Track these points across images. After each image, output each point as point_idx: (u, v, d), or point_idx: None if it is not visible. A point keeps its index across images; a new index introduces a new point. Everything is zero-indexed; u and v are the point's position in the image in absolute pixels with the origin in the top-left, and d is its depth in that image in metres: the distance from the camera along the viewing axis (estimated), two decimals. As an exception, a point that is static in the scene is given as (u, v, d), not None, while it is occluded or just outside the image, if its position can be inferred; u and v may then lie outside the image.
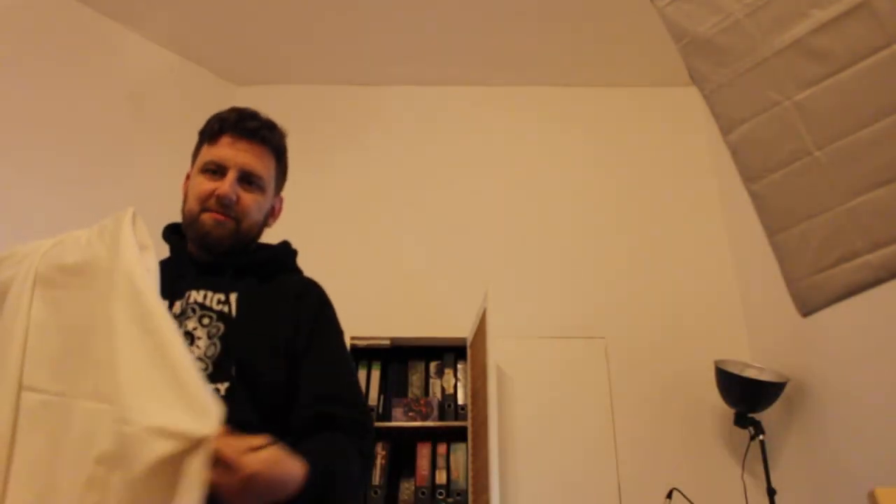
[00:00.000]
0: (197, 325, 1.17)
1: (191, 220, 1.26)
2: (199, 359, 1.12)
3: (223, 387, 1.11)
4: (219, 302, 1.20)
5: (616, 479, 3.03)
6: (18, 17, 3.09)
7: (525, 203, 3.67)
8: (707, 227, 3.59)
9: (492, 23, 3.52)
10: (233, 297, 1.21)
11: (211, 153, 1.27)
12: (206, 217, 1.24)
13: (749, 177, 1.45)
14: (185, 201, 1.30)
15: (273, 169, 1.32)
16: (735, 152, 1.45)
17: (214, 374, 1.11)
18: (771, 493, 2.62)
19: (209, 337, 1.16)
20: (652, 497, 2.84)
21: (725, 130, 1.45)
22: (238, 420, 0.93)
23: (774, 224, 1.43)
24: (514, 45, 3.68)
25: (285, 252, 1.36)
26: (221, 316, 1.19)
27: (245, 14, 3.47)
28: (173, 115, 3.50)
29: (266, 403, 1.14)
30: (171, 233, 1.33)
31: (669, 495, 2.71)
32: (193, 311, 1.18)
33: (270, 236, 1.37)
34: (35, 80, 3.09)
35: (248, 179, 1.27)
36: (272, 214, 1.36)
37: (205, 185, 1.25)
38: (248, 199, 1.26)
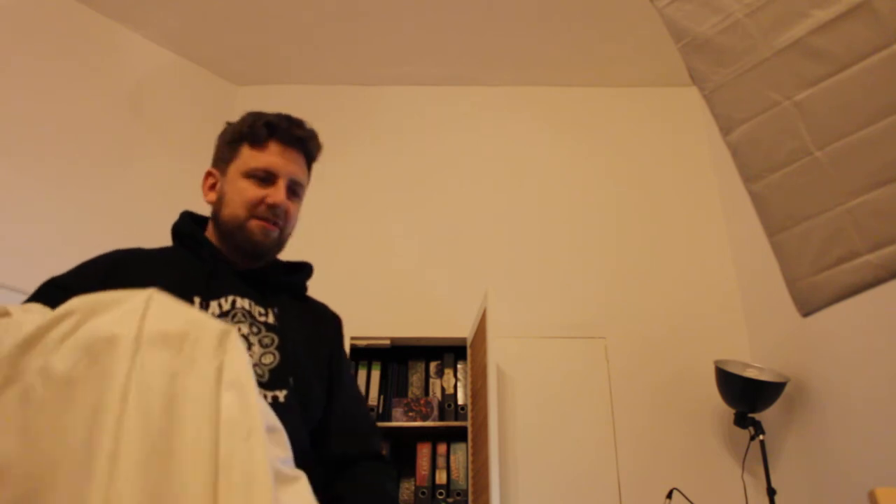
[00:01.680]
0: (248, 331, 1.16)
1: (235, 225, 1.23)
2: (255, 365, 1.11)
3: (282, 394, 1.11)
4: (260, 314, 1.20)
5: (616, 479, 3.03)
6: (18, 16, 3.09)
7: (525, 203, 3.67)
8: (707, 227, 3.59)
9: (492, 23, 3.52)
10: (272, 311, 1.21)
11: (259, 159, 1.24)
12: (255, 225, 1.22)
13: (749, 177, 1.45)
14: (223, 204, 1.25)
15: (308, 178, 1.33)
16: (735, 152, 1.45)
17: (272, 382, 1.11)
18: (771, 493, 2.62)
19: (263, 346, 1.15)
20: (652, 497, 2.84)
21: (725, 130, 1.45)
22: (292, 429, 1.01)
23: (774, 224, 1.43)
24: (513, 45, 3.68)
25: (311, 275, 1.37)
26: (271, 327, 1.19)
27: (245, 14, 3.47)
28: (173, 115, 3.50)
29: (312, 417, 1.19)
30: (192, 222, 1.30)
31: (669, 495, 2.71)
32: (245, 316, 1.17)
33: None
34: (35, 80, 3.09)
35: (294, 190, 1.26)
36: None
37: (253, 191, 1.23)
38: (293, 208, 1.27)
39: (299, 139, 1.27)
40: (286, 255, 1.36)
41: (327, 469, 1.19)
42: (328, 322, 1.35)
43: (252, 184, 1.23)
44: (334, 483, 1.18)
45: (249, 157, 1.25)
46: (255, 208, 1.22)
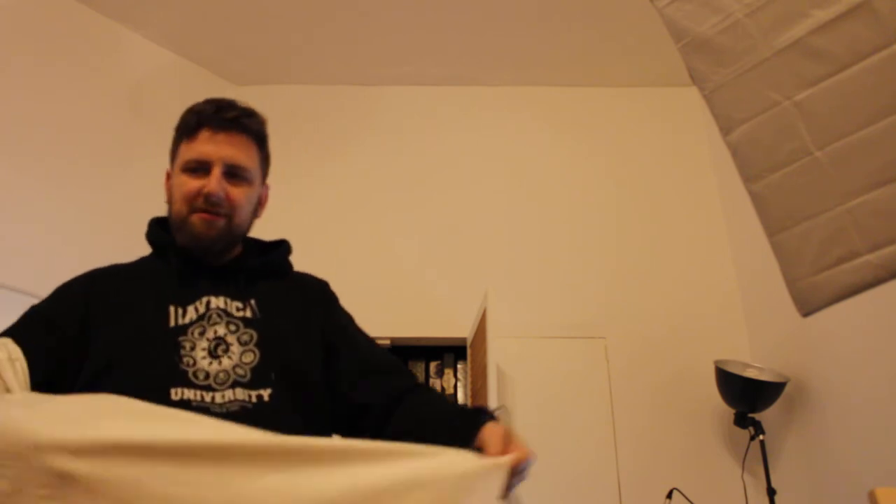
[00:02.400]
0: (226, 330, 1.14)
1: (180, 222, 1.20)
2: (236, 366, 1.11)
3: (266, 393, 1.09)
4: (238, 309, 1.18)
5: (616, 479, 3.03)
6: (18, 16, 3.09)
7: (525, 203, 3.67)
8: (707, 227, 3.59)
9: (492, 23, 3.52)
10: (252, 303, 1.19)
11: (191, 150, 1.20)
12: (196, 218, 1.18)
13: (749, 177, 1.45)
14: (170, 203, 1.24)
15: (257, 158, 1.26)
16: (735, 152, 1.45)
17: (254, 381, 1.10)
18: (771, 493, 2.62)
19: (242, 343, 1.14)
20: (652, 497, 2.84)
21: (725, 130, 1.45)
22: (283, 423, 1.00)
23: (774, 224, 1.43)
24: (513, 45, 3.68)
25: (289, 251, 1.35)
26: (250, 322, 1.17)
27: (245, 14, 3.46)
28: (173, 115, 3.50)
29: (310, 403, 1.16)
30: (160, 228, 1.28)
31: (669, 495, 2.71)
32: (220, 317, 1.16)
33: (260, 230, 1.36)
34: (35, 80, 3.09)
35: (234, 173, 1.21)
36: (260, 204, 1.31)
37: (189, 184, 1.19)
38: (237, 193, 1.21)
39: (231, 121, 1.21)
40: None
41: (376, 421, 1.15)
42: (313, 292, 1.31)
43: (189, 177, 1.20)
44: (391, 422, 1.14)
45: (185, 151, 1.22)
46: (193, 201, 1.18)
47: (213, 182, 1.17)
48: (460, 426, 1.04)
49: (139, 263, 1.27)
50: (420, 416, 1.15)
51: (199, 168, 1.19)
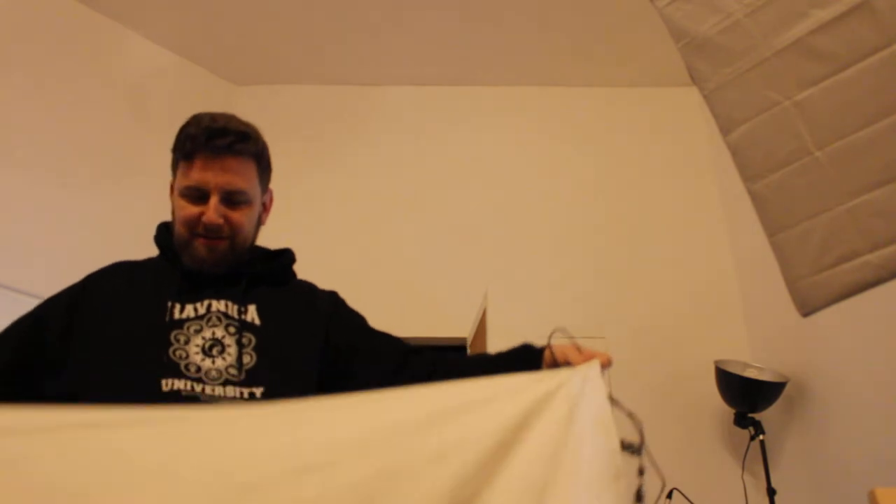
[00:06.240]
0: (224, 333, 1.17)
1: (183, 244, 1.24)
2: (230, 366, 1.13)
3: (259, 391, 1.12)
4: (239, 312, 1.20)
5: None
6: (18, 17, 3.09)
7: (525, 203, 3.66)
8: (707, 227, 3.59)
9: (492, 23, 3.52)
10: (252, 308, 1.22)
11: (189, 177, 1.22)
12: (199, 244, 1.22)
13: (749, 177, 1.45)
14: (174, 220, 1.27)
15: (255, 175, 1.28)
16: (735, 152, 1.45)
17: (248, 381, 1.12)
18: (771, 493, 2.62)
19: (239, 345, 1.16)
20: (652, 497, 2.83)
21: (725, 130, 1.45)
22: None
23: (774, 224, 1.43)
24: (513, 45, 3.68)
25: (292, 260, 1.37)
26: (248, 326, 1.19)
27: (245, 14, 3.46)
28: (173, 115, 3.49)
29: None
30: (169, 233, 1.31)
31: (669, 495, 2.71)
32: (219, 319, 1.18)
33: (265, 235, 1.37)
34: (35, 80, 3.09)
35: (232, 199, 1.23)
36: (264, 211, 1.34)
37: (189, 209, 1.21)
38: (237, 216, 1.23)
39: (224, 147, 1.22)
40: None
41: (422, 370, 1.27)
42: (319, 302, 1.33)
43: (188, 202, 1.22)
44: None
45: (182, 175, 1.24)
46: (194, 227, 1.22)
47: (211, 212, 1.20)
48: (523, 354, 1.21)
49: (146, 263, 1.29)
50: (472, 364, 1.28)
51: (198, 195, 1.22)
